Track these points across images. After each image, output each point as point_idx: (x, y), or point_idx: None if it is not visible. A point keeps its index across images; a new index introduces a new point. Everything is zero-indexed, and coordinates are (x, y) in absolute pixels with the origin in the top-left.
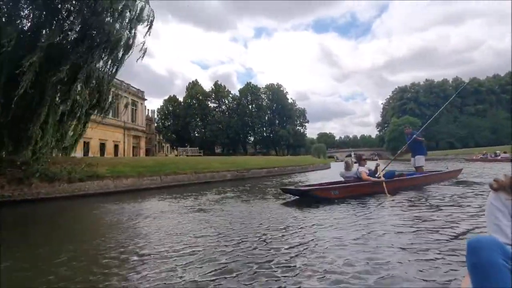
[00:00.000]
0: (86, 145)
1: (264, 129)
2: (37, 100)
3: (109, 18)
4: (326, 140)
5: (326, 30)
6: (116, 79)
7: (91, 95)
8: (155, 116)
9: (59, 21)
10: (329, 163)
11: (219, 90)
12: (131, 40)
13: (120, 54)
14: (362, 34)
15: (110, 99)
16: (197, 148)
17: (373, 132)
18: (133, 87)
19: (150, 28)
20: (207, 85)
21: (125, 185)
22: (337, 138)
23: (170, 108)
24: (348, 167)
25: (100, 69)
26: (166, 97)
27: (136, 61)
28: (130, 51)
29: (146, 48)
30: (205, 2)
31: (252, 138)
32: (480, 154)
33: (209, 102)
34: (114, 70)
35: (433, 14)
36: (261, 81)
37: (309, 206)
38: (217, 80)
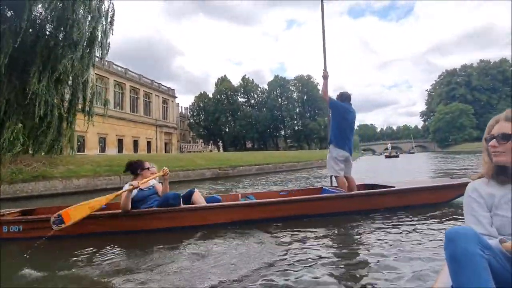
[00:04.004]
0: (120, 143)
1: (295, 122)
2: None
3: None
4: (366, 132)
5: (362, 15)
6: (147, 78)
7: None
8: (188, 113)
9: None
10: (354, 157)
11: (247, 85)
12: (95, 34)
13: (84, 52)
14: (404, 16)
15: (89, 97)
16: (202, 143)
17: (421, 123)
18: (164, 85)
19: (112, 18)
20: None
21: (76, 186)
22: (378, 130)
23: (201, 105)
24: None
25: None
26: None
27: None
28: (96, 45)
29: (109, 43)
30: None
31: (282, 132)
32: None
33: (238, 97)
34: (85, 67)
35: None
36: (294, 74)
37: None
38: (245, 74)
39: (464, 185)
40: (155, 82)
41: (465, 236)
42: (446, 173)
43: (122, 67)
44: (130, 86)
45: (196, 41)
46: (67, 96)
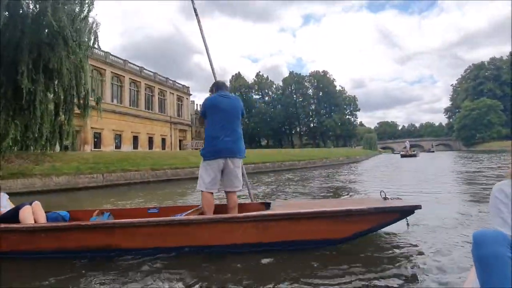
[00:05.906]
0: (135, 140)
1: (310, 119)
2: None
3: None
4: (386, 129)
5: (382, 8)
6: (162, 76)
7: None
8: None
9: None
10: (360, 156)
11: (261, 81)
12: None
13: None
14: (427, 9)
15: (83, 93)
16: (202, 141)
17: (445, 120)
18: (178, 83)
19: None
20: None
21: (56, 184)
22: (400, 127)
23: None
24: None
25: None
26: None
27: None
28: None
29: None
30: None
31: (298, 129)
32: None
33: (252, 94)
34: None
35: None
36: (312, 69)
37: None
38: (259, 71)
39: (386, 211)
40: (170, 79)
41: (494, 238)
42: (455, 176)
43: (137, 66)
44: (145, 84)
45: (213, 39)
46: (61, 92)
